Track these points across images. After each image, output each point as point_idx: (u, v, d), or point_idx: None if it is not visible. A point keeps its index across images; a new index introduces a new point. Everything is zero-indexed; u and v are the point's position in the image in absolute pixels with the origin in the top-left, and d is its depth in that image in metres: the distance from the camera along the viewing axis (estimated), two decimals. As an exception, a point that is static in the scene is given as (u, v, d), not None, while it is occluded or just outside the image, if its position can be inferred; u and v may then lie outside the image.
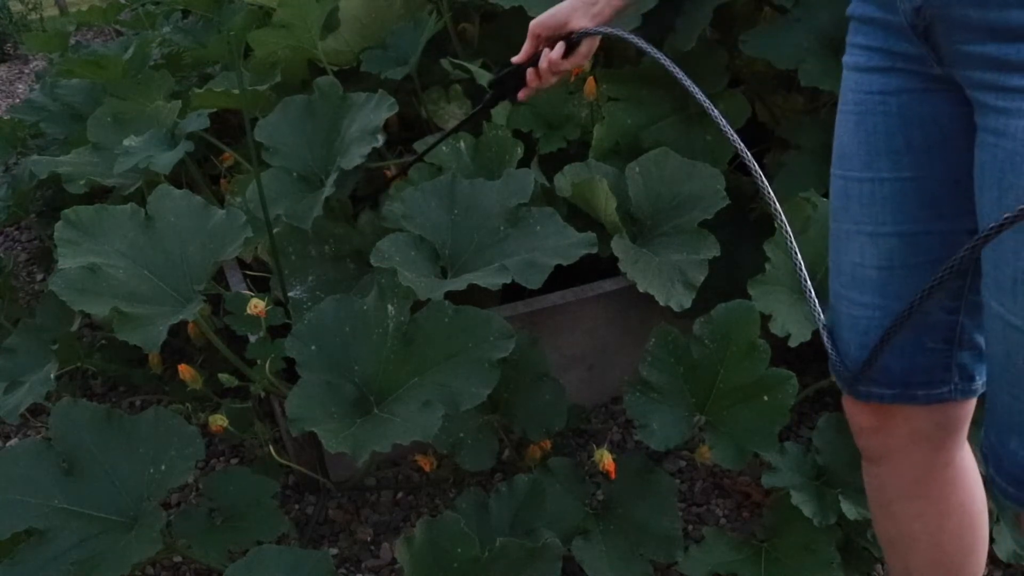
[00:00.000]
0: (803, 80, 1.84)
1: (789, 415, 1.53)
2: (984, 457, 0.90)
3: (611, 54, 2.22)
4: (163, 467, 1.43)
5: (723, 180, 1.82)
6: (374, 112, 1.81)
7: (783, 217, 1.03)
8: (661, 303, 1.67)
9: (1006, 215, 0.71)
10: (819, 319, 1.02)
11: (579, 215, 1.83)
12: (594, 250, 1.63)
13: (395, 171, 2.05)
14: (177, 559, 1.68)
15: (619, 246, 1.72)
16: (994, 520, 1.52)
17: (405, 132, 2.28)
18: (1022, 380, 0.82)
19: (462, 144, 1.98)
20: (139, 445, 1.44)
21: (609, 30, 1.25)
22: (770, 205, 1.01)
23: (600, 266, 1.85)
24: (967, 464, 1.10)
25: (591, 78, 1.97)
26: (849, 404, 1.09)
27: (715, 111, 1.07)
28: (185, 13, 3.12)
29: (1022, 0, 0.72)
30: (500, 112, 2.00)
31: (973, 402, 1.04)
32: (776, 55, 1.89)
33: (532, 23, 1.30)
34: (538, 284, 1.56)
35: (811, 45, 1.88)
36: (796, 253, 1.02)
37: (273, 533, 1.49)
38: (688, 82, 1.11)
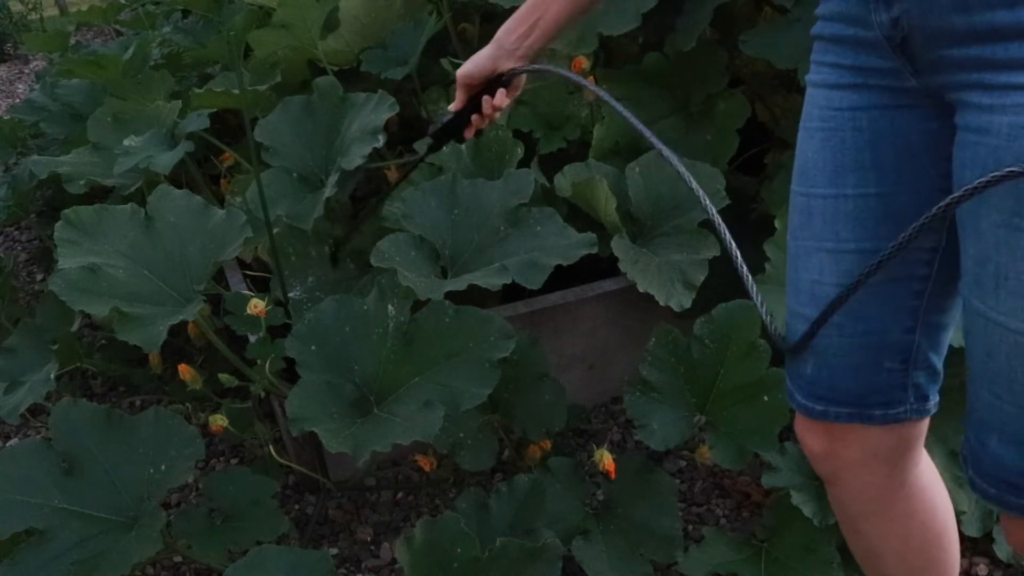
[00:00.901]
0: (803, 80, 1.83)
1: (789, 415, 1.53)
2: (964, 459, 0.89)
3: (611, 54, 2.22)
4: (163, 467, 1.43)
5: (723, 180, 1.82)
6: (374, 112, 1.81)
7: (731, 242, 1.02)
8: (661, 303, 1.67)
9: (992, 174, 0.72)
10: (759, 302, 0.99)
11: (579, 215, 1.83)
12: (594, 250, 1.63)
13: (395, 171, 2.05)
14: (177, 559, 1.68)
15: (619, 246, 1.72)
16: (994, 520, 1.52)
17: (405, 132, 2.28)
18: (1002, 378, 0.81)
19: (462, 144, 1.98)
20: (139, 445, 1.44)
21: (536, 67, 1.30)
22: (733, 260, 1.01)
23: (600, 266, 1.85)
24: (925, 481, 1.10)
25: (591, 78, 1.97)
26: (801, 428, 1.08)
27: (670, 154, 1.07)
28: (185, 13, 3.12)
29: (1007, 1, 0.72)
30: (500, 112, 2.00)
31: (927, 422, 1.04)
32: (776, 55, 1.89)
33: (459, 74, 1.33)
34: (538, 284, 1.56)
35: (811, 45, 1.88)
36: (730, 241, 1.02)
37: (273, 533, 1.49)
38: (629, 116, 1.11)
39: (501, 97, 1.33)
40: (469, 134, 1.43)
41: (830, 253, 0.96)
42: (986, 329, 0.81)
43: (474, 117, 1.38)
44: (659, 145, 1.05)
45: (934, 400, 1.02)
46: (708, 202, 1.03)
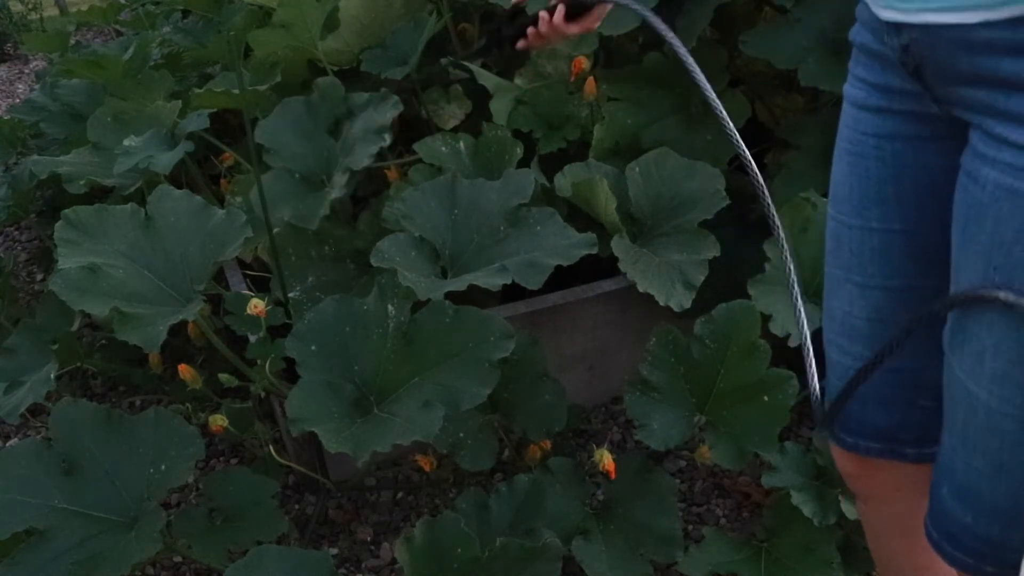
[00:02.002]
0: (803, 80, 1.84)
1: (789, 415, 1.53)
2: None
3: (611, 54, 2.22)
4: (163, 467, 1.43)
5: (723, 180, 1.82)
6: (378, 111, 1.81)
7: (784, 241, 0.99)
8: (661, 303, 1.67)
9: (955, 295, 0.71)
10: (812, 381, 0.95)
11: (579, 215, 1.83)
12: (594, 250, 1.63)
13: (395, 171, 2.05)
14: (177, 559, 1.68)
15: (619, 246, 1.72)
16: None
17: (405, 132, 2.28)
18: (957, 430, 0.79)
19: (462, 144, 1.98)
20: (139, 445, 1.44)
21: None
22: (771, 219, 0.97)
23: (600, 266, 1.85)
24: None
25: (591, 78, 1.97)
26: (835, 451, 1.06)
27: (718, 103, 1.03)
28: (185, 13, 3.12)
29: (1012, 49, 0.69)
30: (500, 112, 2.00)
31: None
32: (776, 55, 1.89)
33: None
34: (538, 284, 1.56)
35: (811, 45, 1.88)
36: (801, 314, 0.94)
37: (273, 533, 1.49)
38: (695, 68, 1.07)
39: (559, 16, 1.19)
40: (522, 45, 1.29)
41: (858, 287, 0.93)
42: (951, 380, 0.80)
43: (530, 30, 1.26)
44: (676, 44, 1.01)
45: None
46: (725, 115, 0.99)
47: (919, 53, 0.77)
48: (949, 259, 0.82)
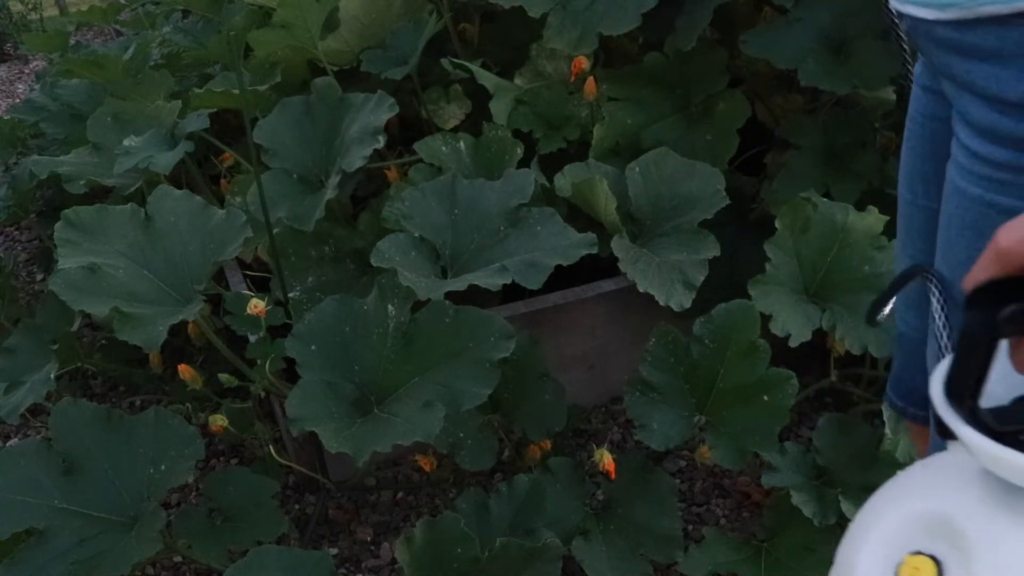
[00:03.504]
0: (803, 80, 1.84)
1: (789, 415, 1.53)
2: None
3: (611, 54, 2.23)
4: (163, 467, 1.43)
5: (723, 180, 1.82)
6: (374, 113, 1.81)
7: None
8: (661, 303, 1.67)
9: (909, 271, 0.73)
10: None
11: (579, 215, 1.83)
12: (594, 250, 1.63)
13: (395, 172, 2.05)
14: (177, 559, 1.69)
15: (619, 246, 1.72)
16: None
17: (405, 132, 2.28)
18: None
19: (462, 144, 1.98)
20: (139, 445, 1.44)
21: None
22: None
23: (600, 266, 1.85)
24: None
25: (591, 78, 1.97)
26: (913, 427, 1.08)
27: None
28: (185, 13, 3.11)
29: (957, 48, 0.70)
30: (500, 112, 2.00)
31: None
32: (776, 55, 1.89)
33: None
34: (538, 284, 1.56)
35: (811, 45, 1.88)
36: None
37: (273, 533, 1.49)
38: None
39: None
40: None
41: (911, 258, 0.96)
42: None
43: None
44: None
45: None
46: None
47: (915, 39, 0.80)
48: None
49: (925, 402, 0.96)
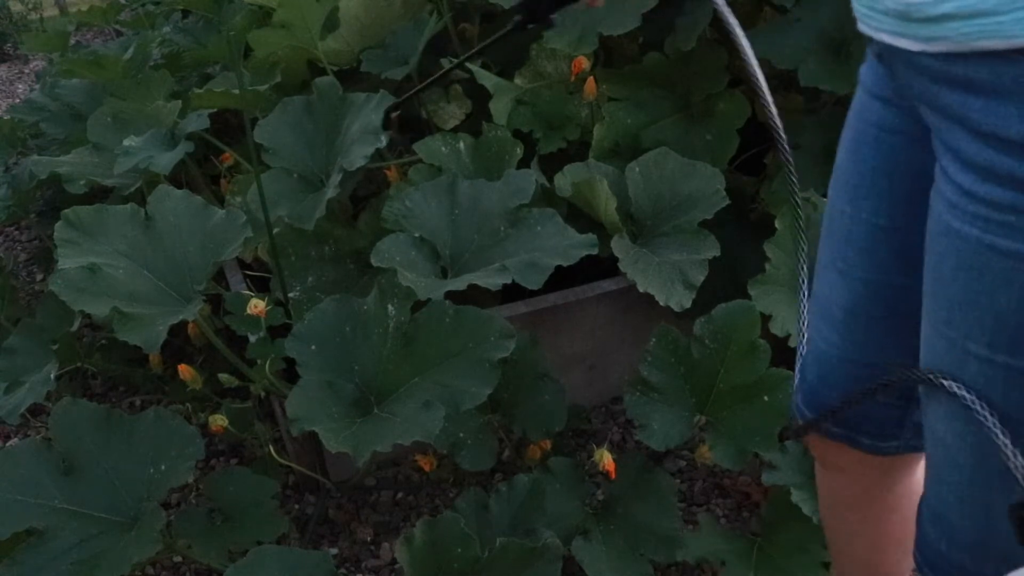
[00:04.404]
0: (803, 80, 1.84)
1: (789, 415, 1.53)
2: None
3: (611, 54, 2.22)
4: (163, 467, 1.43)
5: (723, 180, 1.82)
6: (375, 112, 1.81)
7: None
8: (661, 303, 1.67)
9: (915, 372, 0.73)
10: (801, 348, 0.98)
11: (579, 215, 1.83)
12: (594, 250, 1.63)
13: (395, 171, 2.05)
14: (177, 559, 1.68)
15: (619, 246, 1.72)
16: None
17: (405, 132, 2.28)
18: (928, 459, 0.80)
19: (462, 144, 1.98)
20: (139, 445, 1.44)
21: None
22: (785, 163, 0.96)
23: (600, 266, 1.85)
24: (918, 479, 1.08)
25: (591, 78, 1.97)
26: (817, 443, 1.08)
27: (753, 60, 1.02)
28: (185, 13, 3.11)
29: (946, 78, 0.67)
30: (500, 112, 2.00)
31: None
32: (776, 55, 1.89)
33: None
34: (538, 284, 1.56)
35: (811, 45, 1.88)
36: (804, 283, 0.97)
37: (273, 533, 1.49)
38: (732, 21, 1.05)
39: None
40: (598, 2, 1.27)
41: (840, 274, 0.93)
42: (924, 414, 0.80)
43: None
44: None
45: None
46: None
47: (889, 63, 0.78)
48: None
49: (839, 421, 0.97)
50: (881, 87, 0.85)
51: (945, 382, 0.70)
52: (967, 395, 0.67)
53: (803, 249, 0.99)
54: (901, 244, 0.87)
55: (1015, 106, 0.61)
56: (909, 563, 1.13)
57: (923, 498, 0.84)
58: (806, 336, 1.00)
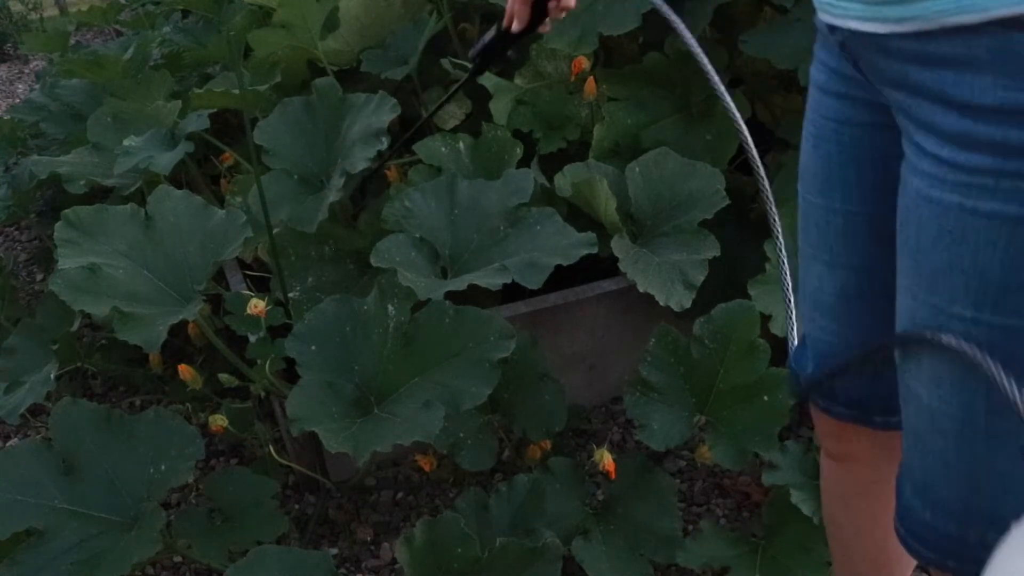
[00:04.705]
0: (803, 80, 1.84)
1: (789, 415, 1.53)
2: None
3: (611, 54, 2.23)
4: (163, 467, 1.43)
5: (723, 180, 1.82)
6: (375, 114, 1.81)
7: (778, 227, 1.02)
8: (661, 303, 1.67)
9: (898, 335, 0.75)
10: (792, 341, 1.02)
11: (579, 215, 1.83)
12: (594, 250, 1.63)
13: (395, 172, 2.05)
14: (177, 559, 1.68)
15: (619, 246, 1.72)
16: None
17: (405, 132, 2.28)
18: (909, 430, 0.81)
19: (461, 145, 1.98)
20: (139, 445, 1.44)
21: None
22: (769, 212, 1.00)
23: (600, 266, 1.85)
24: None
25: (591, 78, 1.97)
26: (814, 411, 1.09)
27: (723, 90, 1.05)
28: (185, 13, 3.12)
29: (918, 58, 0.70)
30: (500, 112, 2.00)
31: None
32: (776, 55, 1.89)
33: None
34: (538, 284, 1.56)
35: (811, 45, 1.87)
36: (786, 275, 1.01)
37: (273, 533, 1.49)
38: (697, 50, 1.09)
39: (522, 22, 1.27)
40: (548, 29, 1.33)
41: (827, 265, 0.95)
42: (902, 383, 0.82)
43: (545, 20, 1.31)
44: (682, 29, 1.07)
45: None
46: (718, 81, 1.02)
47: (853, 51, 0.80)
48: None
49: (850, 401, 1.00)
50: (835, 83, 0.88)
51: (943, 338, 0.71)
52: (964, 345, 0.69)
53: (783, 262, 1.01)
54: (877, 228, 0.89)
55: (991, 75, 0.64)
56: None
57: (903, 472, 0.85)
58: (795, 326, 1.02)
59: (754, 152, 1.04)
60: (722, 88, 1.05)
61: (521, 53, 1.34)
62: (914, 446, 0.81)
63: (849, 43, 0.79)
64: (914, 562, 1.18)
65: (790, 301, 1.01)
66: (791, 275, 1.06)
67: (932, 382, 0.76)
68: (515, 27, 1.32)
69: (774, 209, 1.03)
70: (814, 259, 0.96)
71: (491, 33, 1.39)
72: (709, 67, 1.04)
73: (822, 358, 1.00)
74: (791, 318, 1.02)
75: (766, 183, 1.02)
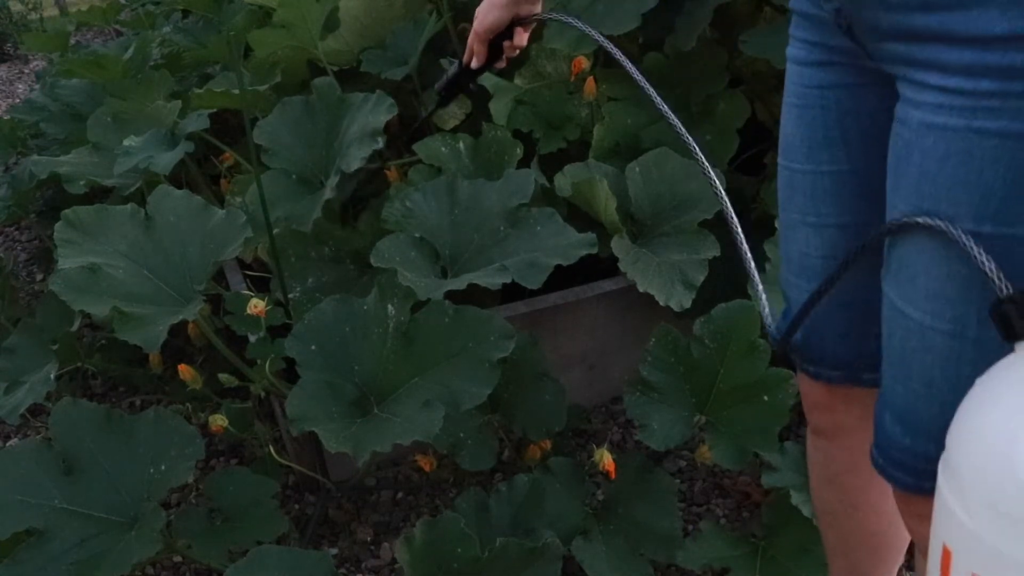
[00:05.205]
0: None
1: (789, 415, 1.53)
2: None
3: (611, 54, 2.22)
4: (163, 467, 1.43)
5: (723, 180, 1.82)
6: (372, 114, 1.81)
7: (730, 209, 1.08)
8: (661, 303, 1.68)
9: (886, 225, 0.79)
10: (763, 305, 1.06)
11: (579, 215, 1.83)
12: (594, 250, 1.63)
13: (395, 172, 2.05)
14: (177, 559, 1.68)
15: (619, 246, 1.72)
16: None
17: (405, 132, 2.28)
18: (895, 358, 0.85)
19: (461, 145, 1.98)
20: (139, 445, 1.44)
21: (557, 16, 1.31)
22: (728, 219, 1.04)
23: (600, 266, 1.85)
24: None
25: (591, 78, 1.97)
26: (804, 383, 1.12)
27: (669, 113, 1.14)
28: (185, 13, 3.12)
29: (922, 6, 0.75)
30: (500, 112, 2.00)
31: None
32: (776, 55, 1.88)
33: (479, 30, 1.35)
34: (538, 284, 1.56)
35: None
36: (741, 239, 1.08)
37: (273, 533, 1.49)
38: (643, 81, 1.17)
39: (520, 36, 1.34)
40: (504, 65, 1.41)
41: (813, 227, 1.00)
42: (888, 310, 0.85)
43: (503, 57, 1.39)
44: (661, 105, 1.14)
45: None
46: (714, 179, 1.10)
47: (849, 14, 0.85)
48: None
49: (838, 363, 1.04)
50: (816, 54, 0.94)
51: (919, 219, 0.77)
52: (952, 229, 0.74)
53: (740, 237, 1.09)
54: (863, 184, 0.95)
55: (996, 9, 0.69)
56: (906, 534, 1.16)
57: (882, 402, 0.89)
58: (766, 304, 1.07)
59: (725, 198, 1.11)
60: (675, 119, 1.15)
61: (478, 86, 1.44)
62: (897, 371, 0.86)
63: (847, 4, 0.84)
64: (907, 544, 1.19)
65: (758, 285, 1.07)
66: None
67: (926, 298, 0.80)
68: (474, 64, 1.40)
69: (735, 219, 1.09)
70: (801, 224, 1.01)
71: (454, 68, 1.47)
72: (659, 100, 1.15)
73: (811, 323, 1.03)
74: (762, 297, 1.08)
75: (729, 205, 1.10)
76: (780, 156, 1.03)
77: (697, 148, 1.12)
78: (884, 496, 1.13)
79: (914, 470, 0.86)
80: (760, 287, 1.06)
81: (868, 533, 1.18)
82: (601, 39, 1.23)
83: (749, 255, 1.08)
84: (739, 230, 1.09)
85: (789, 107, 1.00)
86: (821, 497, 1.23)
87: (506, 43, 1.35)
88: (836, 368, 1.05)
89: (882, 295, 0.87)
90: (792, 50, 0.99)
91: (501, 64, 1.41)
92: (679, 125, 1.14)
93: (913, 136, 0.79)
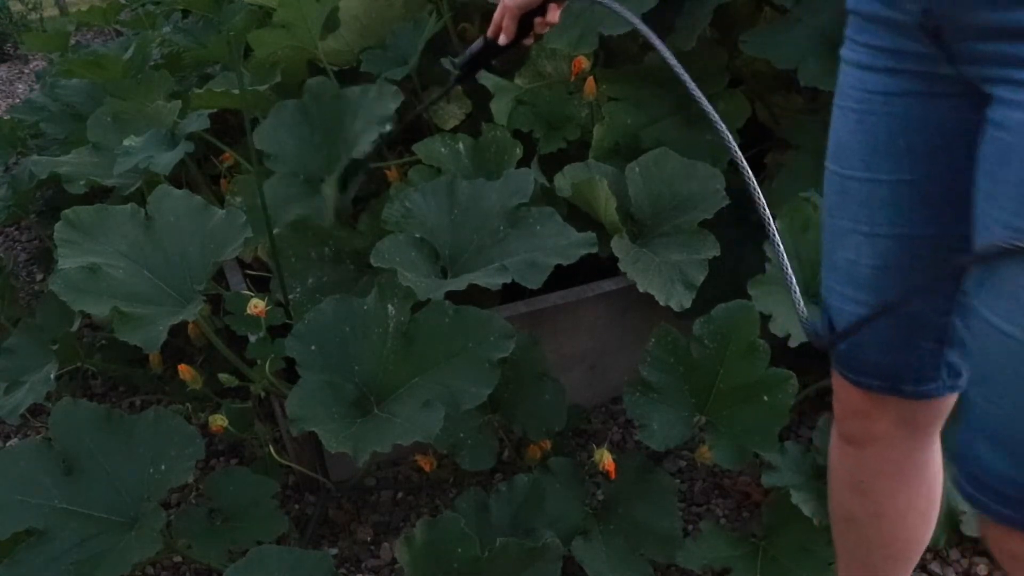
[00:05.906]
0: (803, 80, 1.84)
1: (789, 415, 1.53)
2: (954, 459, 0.87)
3: (611, 54, 2.22)
4: (163, 467, 1.43)
5: (723, 180, 1.82)
6: (379, 102, 1.81)
7: (769, 215, 1.07)
8: (661, 303, 1.67)
9: (995, 244, 0.74)
10: (799, 307, 1.02)
11: (579, 215, 1.83)
12: (594, 250, 1.63)
13: (395, 171, 2.05)
14: (177, 559, 1.68)
15: (619, 246, 1.72)
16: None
17: (405, 132, 2.28)
18: (993, 381, 0.80)
19: (461, 145, 1.98)
20: (139, 445, 1.44)
21: None
22: (758, 206, 1.02)
23: (600, 266, 1.85)
24: (938, 446, 1.13)
25: (591, 78, 1.97)
26: (842, 388, 1.10)
27: (704, 99, 1.10)
28: (185, 13, 3.12)
29: None
30: (500, 112, 2.00)
31: (956, 395, 1.07)
32: (776, 55, 1.89)
33: (511, 5, 1.33)
34: (538, 284, 1.56)
35: (811, 45, 1.88)
36: (780, 248, 1.05)
37: (273, 533, 1.49)
38: (675, 64, 1.13)
39: (554, 13, 1.33)
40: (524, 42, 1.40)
41: (866, 236, 0.97)
42: (982, 329, 0.81)
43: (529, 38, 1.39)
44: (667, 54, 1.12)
45: (967, 376, 1.01)
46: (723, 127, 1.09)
47: (940, 14, 0.81)
48: (952, 209, 0.87)
49: (881, 372, 1.03)
50: (883, 60, 0.90)
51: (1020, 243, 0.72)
52: None
53: (786, 268, 1.04)
54: (924, 195, 0.92)
55: None
56: (926, 539, 1.17)
57: (971, 429, 0.84)
58: (801, 305, 1.03)
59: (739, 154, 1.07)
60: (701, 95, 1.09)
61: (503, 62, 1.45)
62: (988, 393, 0.80)
63: (936, 7, 0.81)
64: (924, 548, 1.19)
65: (793, 281, 1.02)
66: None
67: (1017, 310, 0.76)
68: (502, 40, 1.38)
69: (762, 199, 1.05)
70: (852, 232, 0.98)
71: (478, 44, 1.45)
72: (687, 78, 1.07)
73: (861, 333, 1.01)
74: (797, 295, 1.02)
75: (752, 178, 1.05)
76: (831, 161, 1.00)
77: (717, 117, 1.13)
78: (910, 504, 1.13)
79: (1019, 502, 0.79)
80: (787, 263, 1.04)
81: (890, 540, 1.17)
82: (636, 21, 1.20)
83: (777, 236, 1.06)
84: (760, 198, 1.07)
85: (845, 111, 0.96)
86: (842, 503, 1.20)
87: (538, 19, 1.32)
88: (879, 378, 1.04)
89: (970, 308, 0.82)
90: (851, 53, 0.95)
91: (529, 41, 1.38)
92: (703, 99, 1.13)
93: (1016, 140, 0.75)
